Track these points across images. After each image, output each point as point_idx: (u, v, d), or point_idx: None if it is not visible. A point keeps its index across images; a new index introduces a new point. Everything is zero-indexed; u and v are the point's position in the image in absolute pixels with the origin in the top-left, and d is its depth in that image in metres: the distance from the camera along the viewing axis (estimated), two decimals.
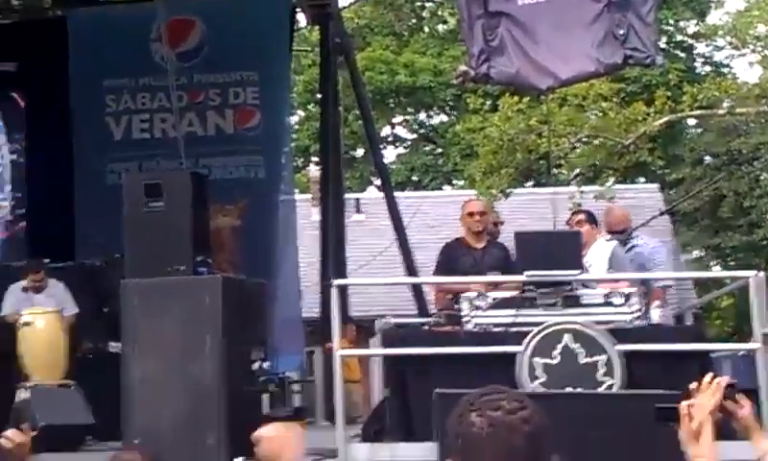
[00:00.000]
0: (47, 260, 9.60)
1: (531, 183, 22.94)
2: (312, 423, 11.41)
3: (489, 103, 21.32)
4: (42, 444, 7.61)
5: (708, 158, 23.20)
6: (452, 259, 7.42)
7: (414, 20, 27.50)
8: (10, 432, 3.11)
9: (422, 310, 10.85)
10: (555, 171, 19.89)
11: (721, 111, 19.78)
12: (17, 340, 8.57)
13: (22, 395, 8.10)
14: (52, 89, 12.26)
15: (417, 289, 11.73)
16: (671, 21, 25.38)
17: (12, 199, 13.37)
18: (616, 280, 7.09)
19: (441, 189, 25.64)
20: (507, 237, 7.80)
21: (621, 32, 8.82)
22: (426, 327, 7.50)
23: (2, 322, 9.06)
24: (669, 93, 19.86)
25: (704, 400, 2.53)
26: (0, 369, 9.04)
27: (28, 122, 13.04)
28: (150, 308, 6.99)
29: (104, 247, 10.06)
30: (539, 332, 6.42)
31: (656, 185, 22.80)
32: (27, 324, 8.56)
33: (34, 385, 8.31)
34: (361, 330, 11.50)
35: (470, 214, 7.57)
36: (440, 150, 27.45)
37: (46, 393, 8.31)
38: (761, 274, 6.38)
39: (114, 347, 8.23)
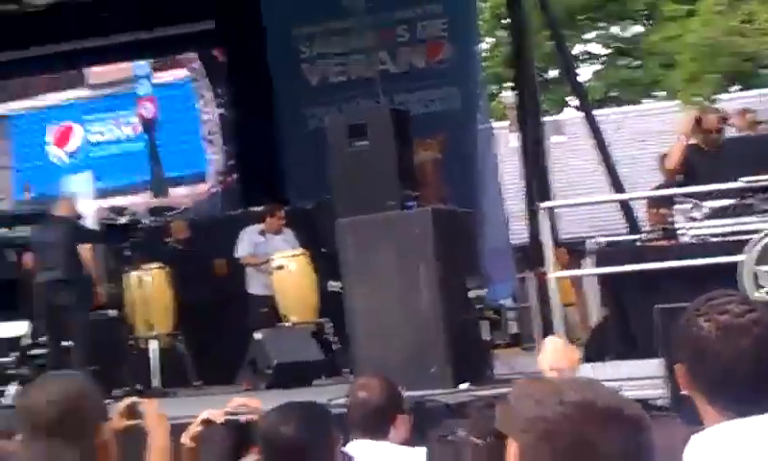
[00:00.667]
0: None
1: (737, 87, 21.90)
2: (530, 348, 11.42)
3: (685, 8, 20.45)
4: (276, 381, 8.05)
5: None
6: (685, 164, 7.23)
7: None
8: None
9: (633, 227, 10.62)
10: (763, 72, 18.90)
11: None
12: (272, 283, 9.08)
13: (257, 335, 8.54)
14: (249, 43, 12.66)
15: (626, 206, 11.47)
16: None
17: (222, 152, 13.98)
18: None
19: (640, 103, 24.87)
20: None
21: None
22: (639, 244, 7.33)
23: (237, 263, 9.62)
24: None
25: None
26: (235, 309, 9.60)
27: (229, 77, 13.56)
28: (364, 245, 7.17)
29: (312, 190, 10.38)
30: (761, 239, 6.16)
31: None
32: (280, 267, 9.00)
33: (291, 325, 8.76)
34: (572, 253, 11.37)
35: (708, 131, 7.44)
36: (637, 62, 26.57)
37: (279, 332, 8.74)
38: None
39: (333, 286, 8.51)
